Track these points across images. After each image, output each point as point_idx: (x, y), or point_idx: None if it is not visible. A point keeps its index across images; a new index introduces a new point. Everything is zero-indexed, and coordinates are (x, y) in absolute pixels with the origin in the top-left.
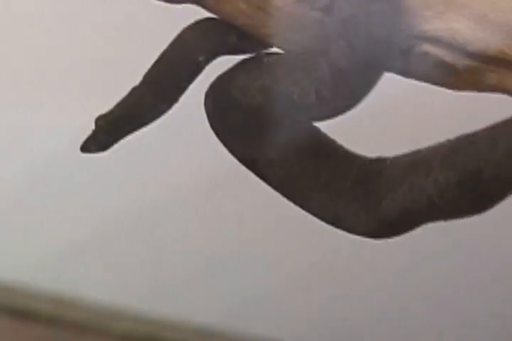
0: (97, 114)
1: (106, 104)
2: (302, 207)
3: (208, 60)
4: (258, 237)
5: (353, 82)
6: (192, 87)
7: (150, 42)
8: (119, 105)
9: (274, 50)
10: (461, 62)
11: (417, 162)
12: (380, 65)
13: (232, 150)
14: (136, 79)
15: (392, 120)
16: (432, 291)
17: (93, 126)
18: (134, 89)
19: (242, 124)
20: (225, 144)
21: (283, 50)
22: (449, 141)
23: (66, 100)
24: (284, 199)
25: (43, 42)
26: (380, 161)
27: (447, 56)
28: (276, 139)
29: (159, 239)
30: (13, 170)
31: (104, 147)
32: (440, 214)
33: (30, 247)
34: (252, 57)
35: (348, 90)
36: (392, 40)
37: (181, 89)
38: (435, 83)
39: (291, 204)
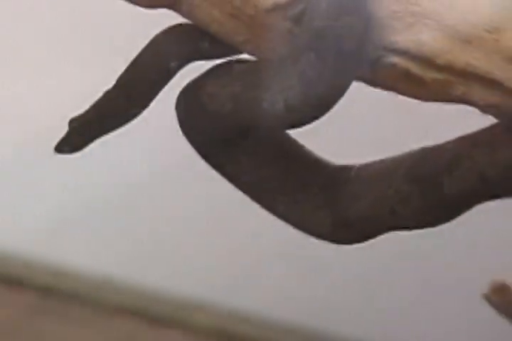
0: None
1: None
2: (269, 210)
3: (179, 66)
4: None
5: (322, 93)
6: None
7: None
8: (93, 108)
9: (247, 56)
10: (428, 73)
11: (381, 172)
12: (348, 76)
13: (201, 154)
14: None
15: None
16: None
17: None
18: (107, 93)
19: (211, 130)
20: (195, 148)
21: (255, 57)
22: (413, 152)
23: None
24: None
25: None
26: (346, 169)
27: (414, 67)
28: (245, 144)
29: (150, 209)
30: (2, 140)
31: (76, 148)
32: (403, 224)
33: (22, 216)
34: (224, 64)
35: (316, 100)
36: (360, 51)
37: (153, 93)
38: (403, 93)
39: None
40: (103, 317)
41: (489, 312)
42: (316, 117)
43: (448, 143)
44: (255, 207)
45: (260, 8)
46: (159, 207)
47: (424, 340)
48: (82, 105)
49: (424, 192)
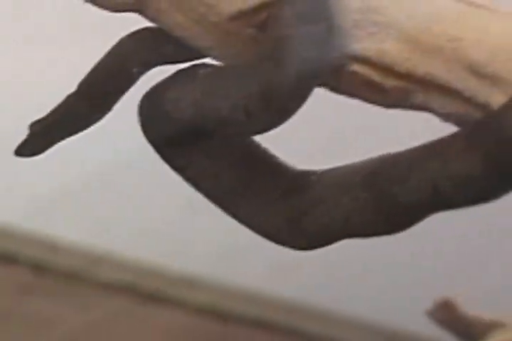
0: None
1: None
2: (229, 214)
3: (142, 72)
4: None
5: (282, 101)
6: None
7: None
8: (54, 112)
9: (212, 60)
10: (388, 81)
11: (339, 179)
12: (309, 84)
13: (162, 157)
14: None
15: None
16: None
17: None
18: (69, 97)
19: (172, 135)
20: (157, 151)
21: (220, 62)
22: (372, 159)
23: None
24: None
25: None
26: (308, 174)
27: (375, 75)
28: (207, 148)
29: (145, 186)
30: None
31: (37, 152)
32: (358, 232)
33: (14, 191)
34: (187, 69)
35: (276, 108)
36: (322, 60)
37: (114, 99)
38: (365, 100)
39: None
40: (97, 294)
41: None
42: (276, 125)
43: (405, 152)
44: None
45: (224, 16)
46: (153, 183)
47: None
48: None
49: (378, 201)
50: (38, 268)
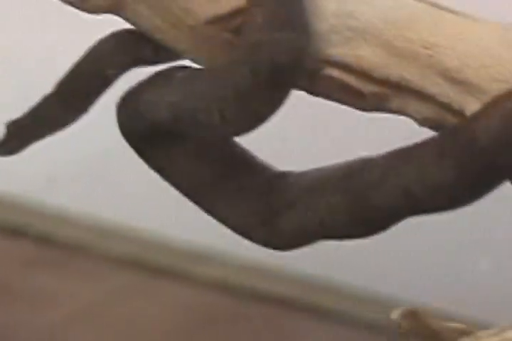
0: None
1: None
2: (207, 212)
3: (119, 74)
4: None
5: (256, 106)
6: None
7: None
8: (30, 112)
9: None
10: (365, 86)
11: (315, 181)
12: (283, 90)
13: (141, 156)
14: None
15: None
16: None
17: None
18: (45, 98)
19: (149, 136)
20: (135, 150)
21: (197, 65)
22: (347, 162)
23: None
24: None
25: None
26: (285, 176)
27: (352, 80)
28: (185, 147)
29: None
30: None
31: (12, 151)
32: (332, 234)
33: (19, 161)
34: (164, 72)
35: (250, 113)
36: (297, 65)
37: (90, 100)
38: (343, 103)
39: None
40: (103, 268)
41: None
42: (251, 129)
43: (380, 156)
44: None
45: (200, 20)
46: None
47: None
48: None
49: (352, 205)
50: (43, 241)
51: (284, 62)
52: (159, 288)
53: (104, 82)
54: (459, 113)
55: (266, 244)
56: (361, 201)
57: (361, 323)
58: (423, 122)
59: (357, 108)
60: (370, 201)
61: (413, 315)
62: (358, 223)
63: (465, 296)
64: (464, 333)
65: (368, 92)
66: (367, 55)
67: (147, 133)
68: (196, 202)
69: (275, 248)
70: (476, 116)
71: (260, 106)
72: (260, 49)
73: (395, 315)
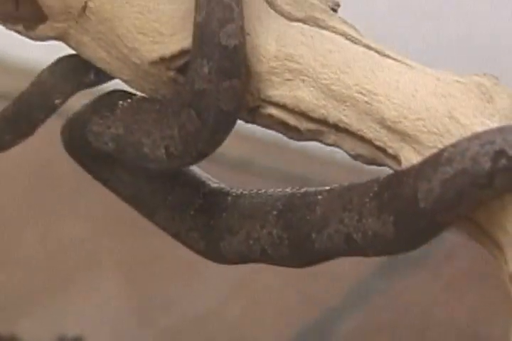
0: None
1: None
2: (149, 220)
3: (64, 101)
4: None
5: (201, 146)
6: None
7: None
8: None
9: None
10: (303, 125)
11: (255, 209)
12: (226, 132)
13: (85, 170)
14: None
15: None
16: None
17: None
18: None
19: (93, 158)
20: (79, 164)
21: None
22: (285, 193)
23: None
24: None
25: None
26: (224, 194)
27: (290, 119)
28: (127, 164)
29: None
30: None
31: None
32: (273, 263)
33: None
34: (107, 98)
35: (195, 151)
36: (238, 110)
37: (37, 125)
38: (280, 133)
39: None
40: None
41: None
42: (194, 163)
43: (322, 193)
44: None
45: (145, 60)
46: None
47: None
48: None
49: (295, 243)
50: None
51: (229, 108)
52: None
53: (51, 110)
54: (393, 156)
55: (206, 257)
56: (304, 241)
57: None
58: (356, 158)
59: (295, 140)
60: (313, 243)
61: None
62: (300, 257)
63: None
64: None
65: (305, 129)
66: (305, 97)
67: (92, 156)
68: (139, 212)
69: (215, 262)
70: (417, 177)
71: (204, 146)
72: (208, 96)
73: None
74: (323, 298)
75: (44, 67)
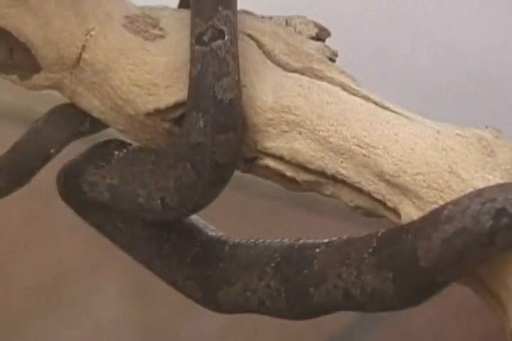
0: None
1: None
2: (144, 266)
3: (59, 150)
4: None
5: (197, 198)
6: None
7: None
8: None
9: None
10: (300, 176)
11: (252, 261)
12: (222, 184)
13: (80, 216)
14: None
15: None
16: None
17: None
18: None
19: (88, 206)
20: (75, 211)
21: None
22: (282, 244)
23: None
24: None
25: None
26: (221, 243)
27: (288, 171)
28: (123, 213)
29: None
30: None
31: None
32: (270, 314)
33: None
34: (102, 147)
35: (191, 203)
36: (234, 163)
37: (33, 173)
38: (278, 183)
39: None
40: None
41: None
42: (189, 215)
43: (318, 246)
44: None
45: (140, 111)
46: None
47: None
48: None
49: (291, 295)
50: None
51: (225, 161)
52: None
53: (46, 159)
54: (392, 209)
55: (204, 306)
56: (302, 295)
57: None
58: (355, 209)
59: (292, 190)
60: (311, 298)
61: None
62: (298, 311)
63: None
64: None
65: (302, 181)
66: (302, 149)
67: (87, 203)
68: (135, 259)
69: (212, 311)
70: (416, 234)
71: (200, 198)
72: (203, 149)
73: None
74: (328, 327)
75: None
